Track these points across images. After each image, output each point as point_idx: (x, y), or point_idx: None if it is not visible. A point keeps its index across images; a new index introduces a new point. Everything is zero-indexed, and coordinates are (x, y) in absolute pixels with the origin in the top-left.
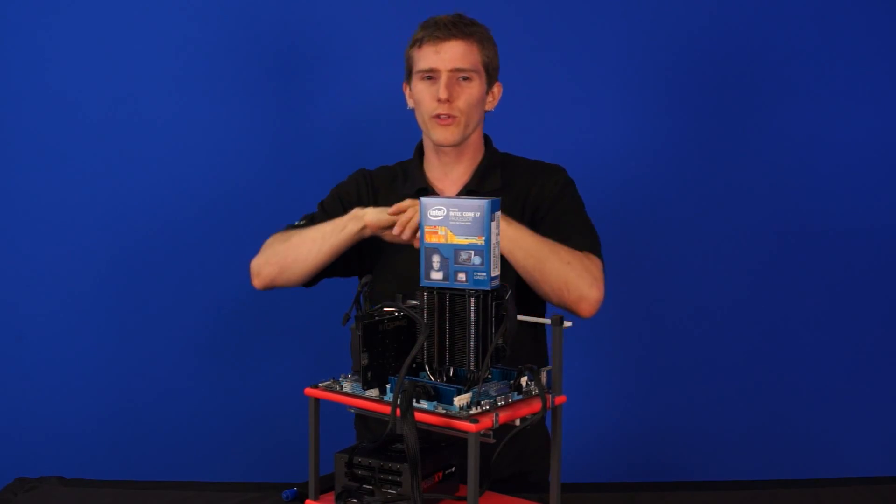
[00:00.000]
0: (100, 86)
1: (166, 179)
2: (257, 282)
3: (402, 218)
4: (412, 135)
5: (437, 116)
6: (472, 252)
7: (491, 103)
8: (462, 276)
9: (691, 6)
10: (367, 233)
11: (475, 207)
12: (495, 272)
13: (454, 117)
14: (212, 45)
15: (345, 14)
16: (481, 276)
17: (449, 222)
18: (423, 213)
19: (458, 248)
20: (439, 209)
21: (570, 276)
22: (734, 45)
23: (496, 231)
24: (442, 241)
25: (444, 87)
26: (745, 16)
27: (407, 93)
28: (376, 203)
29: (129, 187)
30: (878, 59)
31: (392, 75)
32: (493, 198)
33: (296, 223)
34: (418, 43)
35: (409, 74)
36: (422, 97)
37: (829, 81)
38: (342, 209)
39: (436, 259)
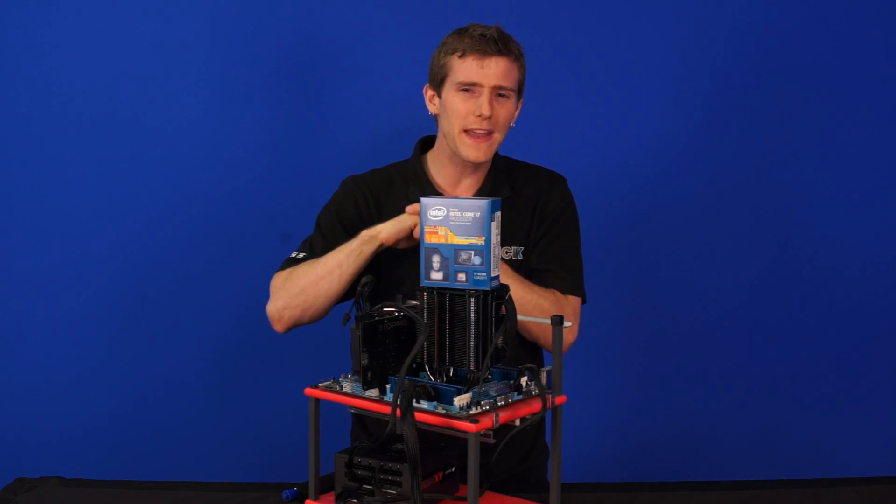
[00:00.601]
0: (106, 87)
1: (169, 181)
2: (279, 326)
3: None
4: (413, 138)
5: (469, 132)
6: (472, 252)
7: (512, 119)
8: (462, 277)
9: (698, 11)
10: (383, 247)
11: (475, 208)
12: (495, 272)
13: (490, 134)
14: (217, 49)
15: (350, 18)
16: (481, 276)
17: (449, 222)
18: (422, 214)
19: (458, 249)
20: (439, 209)
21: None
22: (738, 51)
23: (496, 231)
24: (442, 241)
25: (488, 104)
26: (752, 22)
27: (428, 96)
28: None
29: (130, 188)
30: (884, 66)
31: (398, 79)
32: (493, 198)
33: (295, 255)
34: (459, 52)
35: (439, 81)
36: (456, 108)
37: (834, 88)
38: (342, 228)
39: (436, 259)
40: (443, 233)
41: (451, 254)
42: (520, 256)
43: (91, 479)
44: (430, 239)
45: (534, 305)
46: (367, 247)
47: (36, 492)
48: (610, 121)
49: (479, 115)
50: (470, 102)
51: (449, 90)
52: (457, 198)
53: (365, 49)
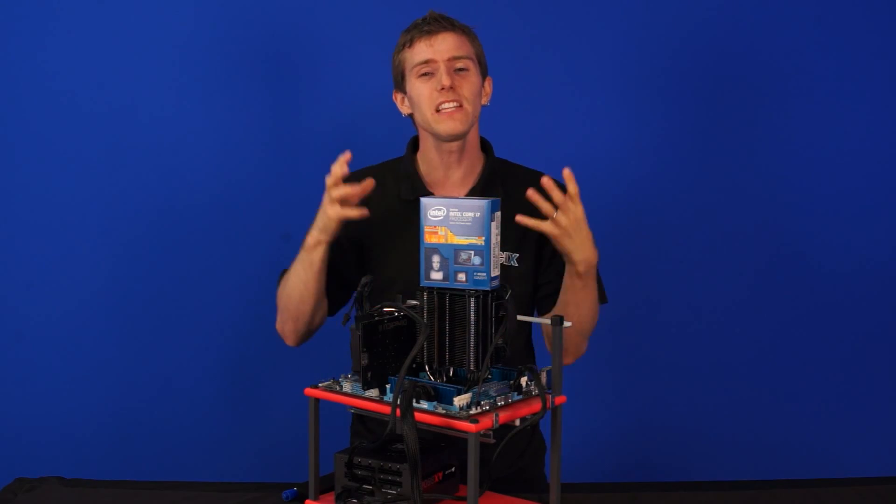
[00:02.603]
0: (107, 87)
1: (168, 181)
2: (288, 342)
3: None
4: (408, 134)
5: (439, 111)
6: (472, 252)
7: (485, 97)
8: (462, 277)
9: (692, 8)
10: (329, 238)
11: (475, 208)
12: (495, 272)
13: (460, 106)
14: (217, 48)
15: (340, 14)
16: (481, 276)
17: (449, 222)
18: (423, 214)
19: (458, 249)
20: (439, 209)
21: (585, 340)
22: (735, 46)
23: (496, 231)
24: (442, 241)
25: (447, 75)
26: (747, 19)
27: (398, 100)
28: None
29: (130, 188)
30: (881, 65)
31: (388, 75)
32: (493, 198)
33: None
34: (408, 43)
35: (400, 79)
36: (421, 93)
37: (831, 87)
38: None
39: (436, 259)
40: (443, 233)
41: (450, 254)
42: (514, 262)
43: (91, 479)
44: (429, 239)
45: (594, 313)
46: (315, 254)
47: (36, 492)
48: (605, 120)
49: (442, 89)
50: (432, 82)
51: (411, 81)
52: (456, 198)
53: (365, 47)
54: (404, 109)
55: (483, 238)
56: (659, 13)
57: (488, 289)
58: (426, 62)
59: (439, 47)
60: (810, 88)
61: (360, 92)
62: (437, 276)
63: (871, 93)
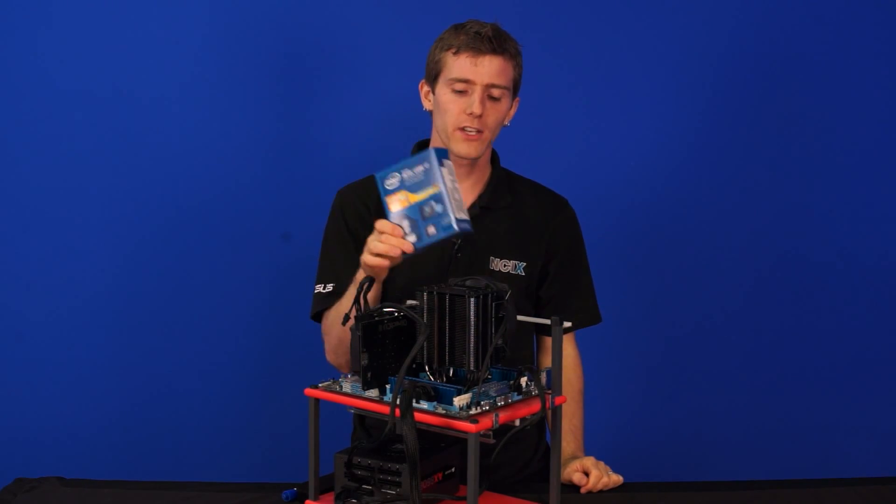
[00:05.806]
0: (107, 87)
1: (168, 180)
2: (346, 371)
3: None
4: (413, 139)
5: (463, 129)
6: (433, 202)
7: (508, 118)
8: (431, 230)
9: (701, 16)
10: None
11: (423, 159)
12: (460, 215)
13: (481, 133)
14: (217, 48)
15: (350, 16)
16: (445, 220)
17: (405, 185)
18: (380, 187)
19: (420, 205)
20: (394, 176)
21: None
22: (740, 52)
23: (451, 177)
24: (405, 205)
25: (479, 103)
26: (758, 27)
27: (423, 92)
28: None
29: (130, 187)
30: (886, 69)
31: (396, 77)
32: (439, 147)
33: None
34: (454, 49)
35: (434, 76)
36: (449, 107)
37: (836, 92)
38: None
39: (406, 225)
40: (403, 196)
41: (417, 213)
42: (521, 272)
43: (91, 479)
44: (394, 208)
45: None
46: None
47: (36, 492)
48: (611, 126)
49: (471, 114)
50: (462, 101)
51: (442, 86)
52: (402, 161)
53: (364, 47)
54: (426, 104)
55: (438, 185)
56: (660, 22)
57: (456, 230)
58: (465, 81)
59: (482, 70)
60: (812, 94)
61: (365, 95)
62: (412, 238)
63: (884, 99)
